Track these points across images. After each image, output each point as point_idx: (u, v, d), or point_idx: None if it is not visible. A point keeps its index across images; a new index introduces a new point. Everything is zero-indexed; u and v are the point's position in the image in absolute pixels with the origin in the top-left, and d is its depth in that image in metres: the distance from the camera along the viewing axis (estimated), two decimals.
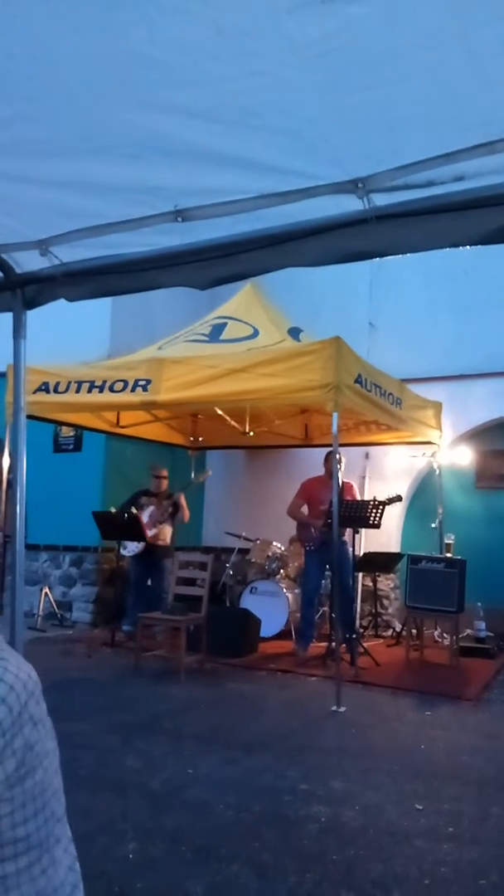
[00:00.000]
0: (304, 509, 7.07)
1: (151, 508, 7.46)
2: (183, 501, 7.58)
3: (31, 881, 0.73)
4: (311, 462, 7.98)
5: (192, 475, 8.57)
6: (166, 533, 7.49)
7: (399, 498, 6.81)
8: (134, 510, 7.40)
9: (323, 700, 5.29)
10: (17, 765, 0.72)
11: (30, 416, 4.33)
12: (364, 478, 8.57)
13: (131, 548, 7.36)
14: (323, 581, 7.09)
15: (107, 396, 6.01)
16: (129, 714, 4.93)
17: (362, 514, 6.33)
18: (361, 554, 7.53)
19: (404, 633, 7.38)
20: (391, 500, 6.59)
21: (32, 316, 3.04)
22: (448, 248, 2.21)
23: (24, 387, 3.15)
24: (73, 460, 8.53)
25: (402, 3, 1.44)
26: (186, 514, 7.66)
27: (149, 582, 7.57)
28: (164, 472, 7.68)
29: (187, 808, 3.37)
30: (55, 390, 6.16)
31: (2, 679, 0.74)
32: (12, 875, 0.71)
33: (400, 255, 2.33)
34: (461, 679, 6.25)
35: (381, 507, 6.29)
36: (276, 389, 5.39)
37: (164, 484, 7.67)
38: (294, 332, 7.18)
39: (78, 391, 6.07)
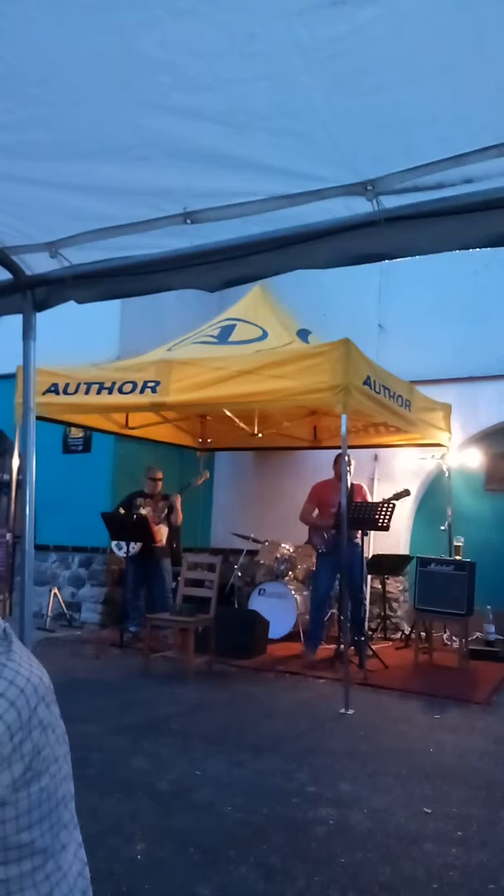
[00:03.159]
0: (316, 512, 7.07)
1: (147, 510, 7.48)
2: (178, 504, 7.61)
3: (34, 886, 0.73)
4: (319, 464, 7.97)
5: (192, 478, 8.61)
6: (162, 534, 7.52)
7: (407, 492, 6.78)
8: (122, 510, 7.44)
9: (331, 702, 5.29)
10: (25, 769, 0.72)
11: (39, 418, 4.36)
12: (373, 480, 8.55)
13: (125, 547, 7.38)
14: (335, 583, 7.07)
15: (116, 398, 6.02)
16: (138, 715, 4.94)
17: (371, 516, 6.31)
18: (370, 556, 7.51)
19: (413, 635, 7.36)
20: (399, 496, 6.57)
21: (42, 318, 3.05)
22: (457, 251, 2.20)
23: (34, 388, 3.16)
24: (83, 461, 8.56)
25: (412, 5, 1.44)
26: (180, 516, 7.68)
27: (147, 583, 7.62)
28: (160, 474, 7.70)
29: (195, 810, 3.37)
30: (64, 392, 6.17)
31: (12, 682, 0.74)
32: (14, 878, 0.71)
33: (409, 257, 2.32)
34: (470, 682, 6.22)
35: (391, 506, 6.28)
36: (284, 391, 5.39)
37: (159, 486, 7.70)
38: (303, 334, 7.18)
39: (87, 392, 6.09)
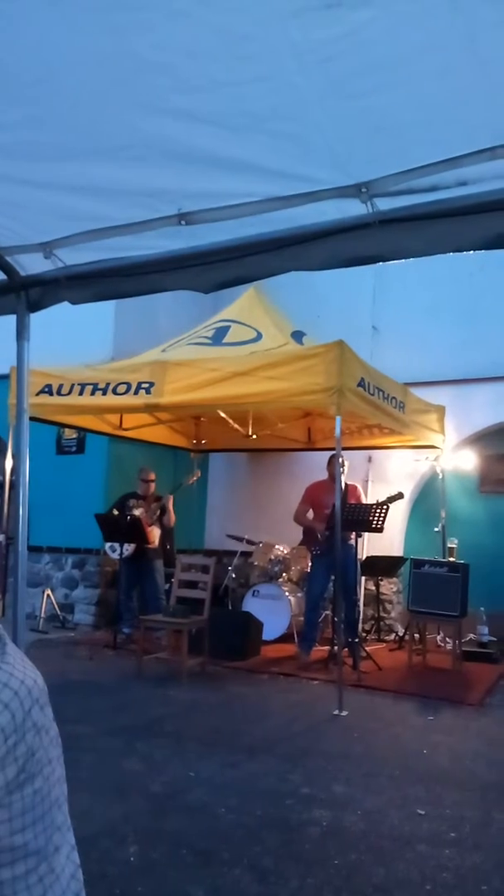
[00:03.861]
0: (310, 514, 7.07)
1: (139, 511, 7.47)
2: (170, 505, 7.60)
3: (27, 889, 0.73)
4: (313, 465, 7.97)
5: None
6: (154, 535, 7.51)
7: (400, 495, 6.79)
8: (115, 512, 7.42)
9: (325, 704, 5.28)
10: (18, 771, 0.72)
11: (33, 419, 4.35)
12: (367, 481, 8.56)
13: (118, 549, 7.37)
14: (329, 585, 7.07)
15: (110, 399, 6.01)
16: (131, 717, 4.93)
17: (365, 518, 6.32)
18: (364, 558, 7.52)
19: (407, 637, 7.37)
20: (392, 499, 6.57)
21: (36, 318, 3.05)
22: (452, 253, 2.21)
23: (27, 389, 3.16)
24: (76, 462, 8.54)
25: (407, 8, 1.44)
26: (172, 517, 7.67)
27: (140, 584, 7.62)
28: (152, 476, 7.69)
29: (188, 812, 3.37)
30: (58, 392, 6.16)
31: (6, 685, 0.74)
32: (8, 882, 0.71)
33: (403, 260, 2.33)
34: (464, 684, 6.23)
35: (384, 507, 6.28)
36: (279, 393, 5.39)
37: (152, 487, 7.69)
38: (297, 336, 7.19)
39: (81, 393, 6.08)
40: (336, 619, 5.88)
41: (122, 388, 5.93)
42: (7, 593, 7.51)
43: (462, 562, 6.85)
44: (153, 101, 1.79)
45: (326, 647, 6.94)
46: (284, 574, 7.89)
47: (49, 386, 6.18)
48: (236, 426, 7.97)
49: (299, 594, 7.65)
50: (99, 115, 1.87)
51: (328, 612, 7.53)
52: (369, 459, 8.63)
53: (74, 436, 8.53)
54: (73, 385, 6.11)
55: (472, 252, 2.17)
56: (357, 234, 2.23)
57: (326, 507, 6.67)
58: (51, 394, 6.17)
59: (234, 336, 6.86)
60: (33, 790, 0.73)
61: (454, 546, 7.50)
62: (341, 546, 5.56)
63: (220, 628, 6.52)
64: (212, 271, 2.54)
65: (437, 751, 4.39)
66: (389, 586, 8.61)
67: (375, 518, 6.28)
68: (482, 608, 7.46)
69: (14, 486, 3.10)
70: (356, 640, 6.62)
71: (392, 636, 8.16)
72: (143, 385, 5.82)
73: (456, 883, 2.78)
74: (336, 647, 5.85)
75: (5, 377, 5.73)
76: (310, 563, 7.32)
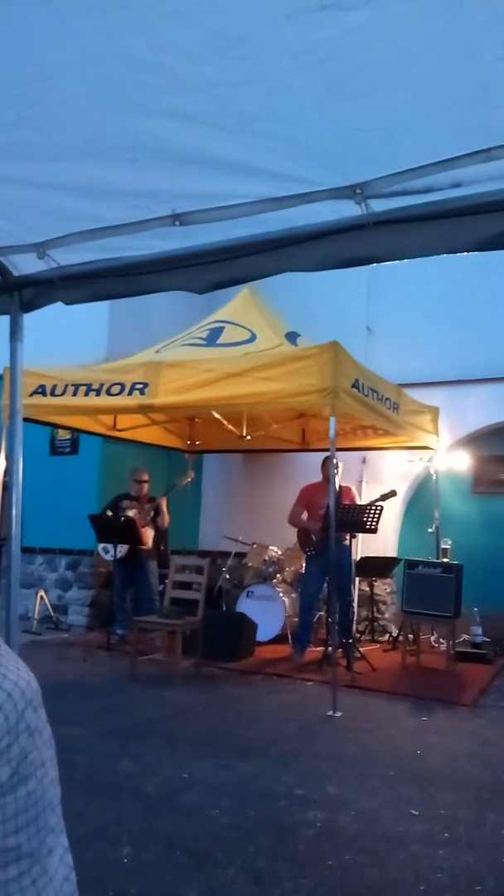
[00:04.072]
0: (304, 515, 7.08)
1: (133, 512, 7.46)
2: (164, 506, 7.59)
3: (20, 891, 0.72)
4: (308, 466, 7.97)
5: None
6: (148, 536, 7.49)
7: (393, 493, 6.80)
8: (109, 513, 7.40)
9: (319, 705, 5.28)
10: (12, 773, 0.72)
11: (26, 419, 4.33)
12: (361, 482, 8.56)
13: (112, 551, 7.35)
14: (324, 586, 7.07)
15: (104, 399, 6.00)
16: (125, 718, 4.92)
17: (359, 519, 6.32)
18: (358, 558, 7.53)
19: (401, 637, 7.38)
20: (386, 496, 6.58)
21: (29, 319, 3.04)
22: (446, 254, 2.21)
23: (21, 389, 3.15)
24: (70, 463, 8.52)
25: (401, 10, 1.45)
26: (167, 518, 7.65)
27: (134, 586, 7.62)
28: (146, 476, 7.67)
29: (182, 813, 3.36)
30: (52, 393, 6.14)
31: (0, 686, 0.74)
32: (1, 884, 0.71)
33: (398, 261, 2.33)
34: (457, 684, 6.24)
35: (378, 508, 6.29)
36: (273, 394, 5.39)
37: (146, 488, 7.67)
38: (291, 337, 7.19)
39: (75, 394, 6.06)
40: (330, 619, 5.88)
41: (115, 389, 5.92)
42: (0, 594, 7.50)
43: (456, 562, 6.86)
44: (148, 102, 1.79)
45: (320, 648, 6.94)
46: (278, 575, 7.89)
47: (43, 386, 6.16)
48: (230, 427, 7.97)
49: (293, 595, 7.65)
50: (93, 115, 1.87)
51: (322, 613, 7.53)
52: (363, 460, 8.63)
53: (68, 436, 8.51)
54: (66, 386, 6.10)
55: (466, 253, 2.17)
56: (352, 235, 2.23)
57: (321, 508, 6.67)
58: (44, 394, 6.16)
59: (229, 337, 6.85)
60: (27, 792, 0.73)
61: (448, 547, 7.51)
62: (336, 547, 5.56)
63: (214, 629, 6.51)
64: (206, 272, 2.54)
65: (431, 751, 4.39)
66: (383, 587, 8.61)
67: (369, 519, 6.29)
68: (476, 609, 7.47)
69: (7, 487, 3.08)
70: (350, 640, 6.62)
71: (386, 637, 8.17)
72: (137, 386, 5.82)
73: (450, 883, 2.78)
74: (330, 648, 5.85)
75: None
76: (304, 564, 7.32)
